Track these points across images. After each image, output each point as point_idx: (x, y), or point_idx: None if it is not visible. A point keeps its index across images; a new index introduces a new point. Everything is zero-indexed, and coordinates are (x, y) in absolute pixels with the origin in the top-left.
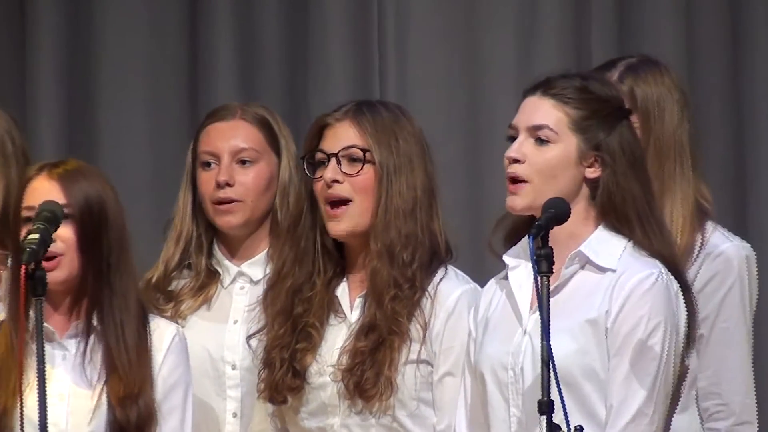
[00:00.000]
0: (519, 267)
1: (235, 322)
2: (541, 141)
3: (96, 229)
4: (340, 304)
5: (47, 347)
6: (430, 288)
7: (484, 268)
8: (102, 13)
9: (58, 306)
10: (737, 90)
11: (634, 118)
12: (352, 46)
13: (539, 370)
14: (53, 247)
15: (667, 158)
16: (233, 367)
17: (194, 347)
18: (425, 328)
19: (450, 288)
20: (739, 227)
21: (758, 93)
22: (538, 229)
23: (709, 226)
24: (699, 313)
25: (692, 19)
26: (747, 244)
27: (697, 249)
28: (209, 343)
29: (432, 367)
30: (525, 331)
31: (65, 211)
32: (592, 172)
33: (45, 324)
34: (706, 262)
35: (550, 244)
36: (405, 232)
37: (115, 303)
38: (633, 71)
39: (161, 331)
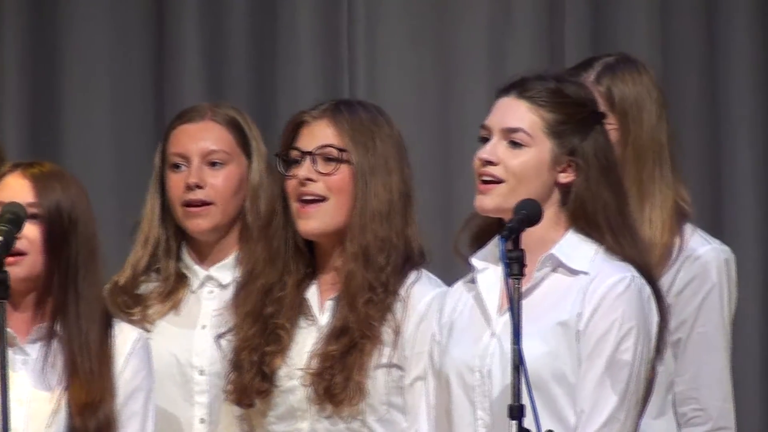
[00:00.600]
0: (487, 270)
1: (204, 327)
2: (515, 144)
3: (63, 233)
4: (310, 307)
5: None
6: (402, 291)
7: (455, 271)
8: (66, 12)
9: (20, 307)
10: (713, 89)
11: (612, 119)
12: (322, 46)
13: (507, 374)
14: (17, 244)
15: (645, 160)
16: (201, 373)
17: (162, 352)
18: (397, 332)
19: (422, 291)
20: (714, 229)
21: (734, 93)
22: (510, 231)
23: (688, 228)
24: (677, 316)
25: (667, 18)
26: (726, 248)
27: (675, 252)
28: (177, 348)
29: (403, 371)
30: (493, 334)
31: (33, 210)
32: (565, 177)
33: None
34: (685, 265)
35: (521, 248)
36: (381, 236)
37: (81, 310)
38: (610, 71)
39: (124, 335)
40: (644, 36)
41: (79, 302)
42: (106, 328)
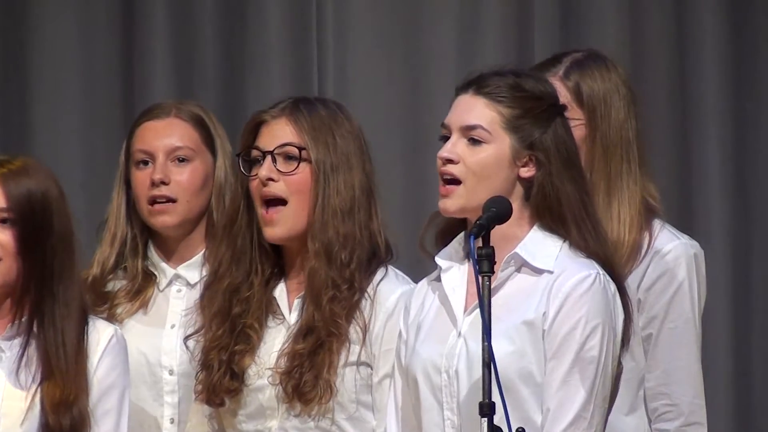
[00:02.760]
0: (452, 269)
1: (173, 326)
2: (474, 141)
3: (38, 233)
4: (278, 306)
5: None
6: (369, 289)
7: (423, 269)
8: (35, 11)
9: None
10: (682, 85)
11: (580, 115)
12: (291, 47)
13: (474, 373)
14: None
15: (613, 156)
16: (170, 372)
17: (131, 352)
18: (365, 329)
19: (390, 289)
20: (683, 224)
21: (703, 89)
22: (480, 229)
23: (657, 224)
24: (647, 312)
25: (637, 15)
26: (695, 242)
27: (644, 248)
28: (146, 347)
29: (372, 369)
30: (459, 334)
31: (3, 215)
32: (526, 172)
33: None
34: (654, 260)
35: (490, 245)
36: (343, 232)
37: (57, 311)
38: (579, 67)
39: (98, 332)
40: (613, 33)
41: (56, 302)
42: (83, 326)
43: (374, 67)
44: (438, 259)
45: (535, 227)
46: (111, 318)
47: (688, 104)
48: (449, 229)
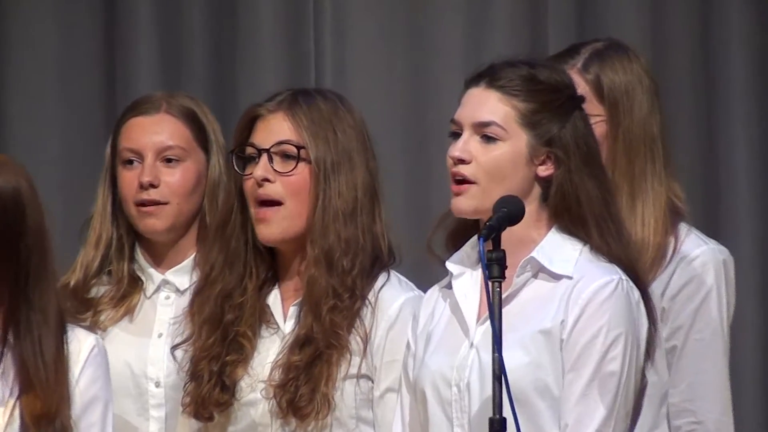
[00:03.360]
0: (464, 275)
1: (160, 335)
2: (488, 138)
3: (9, 233)
4: (272, 314)
5: None
6: (370, 296)
7: (428, 274)
8: None
9: None
10: (707, 78)
11: (600, 110)
12: (286, 36)
13: (487, 387)
14: None
15: (637, 153)
16: (157, 385)
17: (115, 362)
18: (366, 340)
19: (392, 296)
20: (709, 228)
21: (730, 83)
22: (490, 230)
23: (683, 227)
24: (672, 322)
25: (659, 3)
26: (724, 248)
27: (670, 253)
28: (131, 357)
29: (373, 382)
30: (472, 344)
31: None
32: (545, 170)
33: None
34: (680, 267)
35: (501, 248)
36: (345, 237)
37: (33, 317)
38: (599, 57)
39: (79, 341)
40: (633, 21)
41: (31, 309)
42: (61, 333)
43: (375, 59)
44: (449, 264)
45: (553, 229)
46: (94, 326)
47: (713, 98)
48: (461, 231)
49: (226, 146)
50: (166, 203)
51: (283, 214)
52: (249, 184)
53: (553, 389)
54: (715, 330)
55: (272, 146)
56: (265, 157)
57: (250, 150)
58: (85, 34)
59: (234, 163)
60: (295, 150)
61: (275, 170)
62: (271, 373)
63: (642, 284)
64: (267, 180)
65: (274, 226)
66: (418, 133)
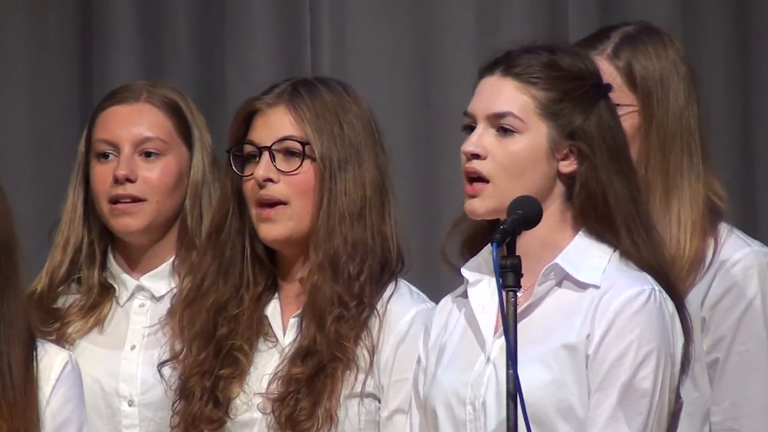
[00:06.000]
0: (481, 282)
1: (133, 347)
2: (504, 131)
3: None
4: (270, 326)
5: None
6: (379, 305)
7: (438, 282)
8: None
9: None
10: (744, 64)
11: (632, 100)
12: (279, 14)
13: (505, 405)
14: None
15: (672, 147)
16: (130, 404)
17: (84, 379)
18: (372, 352)
19: (402, 308)
20: (748, 228)
21: None
22: (503, 235)
23: (723, 228)
24: (713, 333)
25: None
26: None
27: (709, 257)
28: (101, 373)
29: (379, 402)
30: (488, 359)
31: None
32: (567, 166)
33: None
34: (721, 272)
35: (518, 254)
36: (352, 239)
37: (1, 332)
38: (631, 43)
39: (50, 358)
40: (662, 4)
41: None
42: (31, 349)
43: (377, 39)
44: (464, 271)
45: (580, 233)
46: (61, 339)
47: (748, 91)
48: (477, 235)
49: (212, 143)
50: (143, 200)
51: (289, 214)
52: (249, 186)
53: (578, 410)
54: (760, 341)
55: (274, 143)
56: (266, 155)
57: (249, 148)
58: (57, 16)
59: (232, 163)
60: (299, 146)
61: (278, 169)
62: (269, 386)
63: (677, 294)
64: (270, 180)
65: (281, 225)
66: (425, 123)
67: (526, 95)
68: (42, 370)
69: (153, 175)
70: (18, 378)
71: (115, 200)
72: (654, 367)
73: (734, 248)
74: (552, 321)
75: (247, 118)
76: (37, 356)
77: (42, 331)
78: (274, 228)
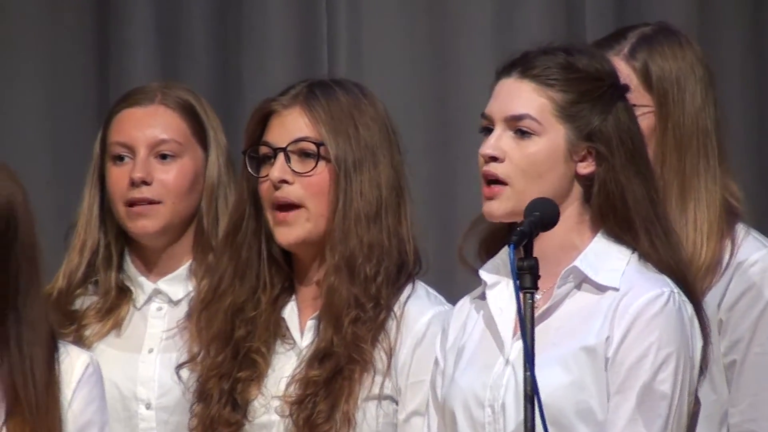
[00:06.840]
0: (499, 284)
1: (150, 351)
2: (522, 133)
3: (1, 246)
4: (287, 329)
5: None
6: (396, 307)
7: (454, 283)
8: None
9: None
10: (760, 64)
11: (649, 101)
12: (296, 15)
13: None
14: None
15: (688, 149)
16: (147, 407)
17: None
18: (390, 354)
19: (419, 310)
20: (763, 228)
21: None
22: (521, 236)
23: (740, 230)
24: (731, 334)
25: None
26: None
27: (726, 258)
28: (119, 377)
29: (397, 404)
30: (507, 361)
31: None
32: (585, 168)
33: None
34: (738, 273)
35: (535, 256)
36: (368, 241)
37: (24, 335)
38: (647, 43)
39: (71, 360)
40: (679, 2)
41: (21, 325)
42: (52, 351)
43: (394, 39)
44: (483, 273)
45: (599, 235)
46: (78, 341)
47: (766, 91)
48: (495, 237)
49: (228, 143)
50: (159, 203)
51: (305, 217)
52: (265, 187)
53: (597, 413)
54: None
55: (289, 144)
56: (281, 156)
57: (264, 149)
58: (74, 18)
59: (247, 164)
60: (314, 147)
61: (293, 171)
62: (287, 389)
63: (695, 296)
64: (285, 182)
65: (297, 228)
66: (441, 125)
67: (544, 97)
68: (64, 371)
69: (169, 177)
70: (41, 380)
71: (131, 203)
72: (673, 370)
73: (751, 249)
74: (571, 323)
75: (263, 119)
76: (59, 358)
77: (60, 333)
78: (291, 232)
